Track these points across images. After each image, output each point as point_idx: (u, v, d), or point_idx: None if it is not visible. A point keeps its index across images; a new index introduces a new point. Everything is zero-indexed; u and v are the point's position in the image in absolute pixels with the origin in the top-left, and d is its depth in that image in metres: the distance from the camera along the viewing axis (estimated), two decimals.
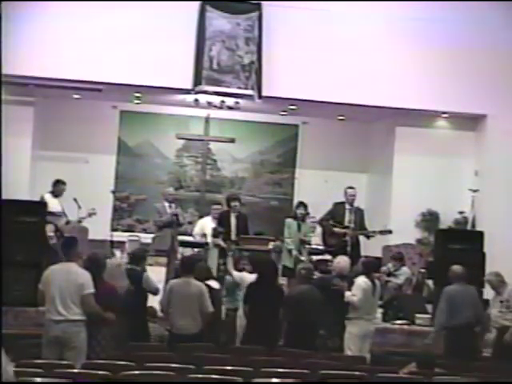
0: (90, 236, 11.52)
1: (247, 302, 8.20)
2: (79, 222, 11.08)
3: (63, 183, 11.05)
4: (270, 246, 10.36)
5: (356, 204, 11.04)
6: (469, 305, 8.58)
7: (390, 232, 11.18)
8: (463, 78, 12.32)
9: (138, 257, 8.49)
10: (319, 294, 8.19)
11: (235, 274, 8.85)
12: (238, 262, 9.21)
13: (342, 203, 11.02)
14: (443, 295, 8.66)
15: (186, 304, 7.73)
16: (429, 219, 13.12)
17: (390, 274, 11.11)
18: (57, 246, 9.47)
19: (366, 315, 8.41)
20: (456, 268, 8.81)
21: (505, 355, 8.27)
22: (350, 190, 11.04)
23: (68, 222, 10.91)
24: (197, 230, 11.83)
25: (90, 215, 10.97)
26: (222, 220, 10.93)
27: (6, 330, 7.08)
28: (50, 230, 10.29)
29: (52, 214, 10.70)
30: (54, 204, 10.85)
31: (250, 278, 8.53)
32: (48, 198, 10.89)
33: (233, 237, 10.67)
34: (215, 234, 10.88)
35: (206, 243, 11.20)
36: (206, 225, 11.55)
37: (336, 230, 10.81)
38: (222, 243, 10.69)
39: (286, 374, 6.47)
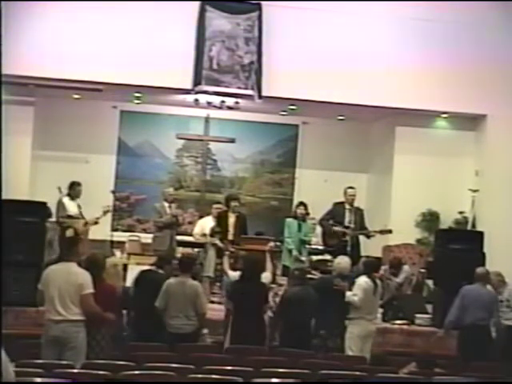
0: (90, 236, 11.49)
1: (231, 300, 8.24)
2: (96, 222, 11.11)
3: (79, 184, 11.00)
4: (268, 245, 10.33)
5: (356, 204, 11.03)
6: (485, 305, 8.57)
7: (389, 232, 11.18)
8: (463, 78, 12.32)
9: (164, 260, 8.49)
10: (314, 295, 8.19)
11: (230, 273, 8.84)
12: (234, 261, 9.19)
13: (342, 203, 11.02)
14: (458, 295, 8.67)
15: (180, 304, 7.75)
16: (429, 219, 13.11)
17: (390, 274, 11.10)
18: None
19: (367, 315, 8.41)
20: (479, 269, 8.85)
21: (505, 355, 8.28)
22: (349, 190, 11.03)
23: (86, 224, 10.90)
24: (197, 230, 11.84)
25: (104, 213, 10.98)
26: (220, 220, 10.92)
27: (6, 330, 7.08)
28: (70, 234, 10.29)
29: (71, 217, 10.71)
30: (71, 207, 10.83)
31: None
32: (66, 201, 10.86)
33: (230, 237, 10.65)
34: (212, 234, 10.89)
35: (206, 243, 11.20)
36: (206, 225, 11.54)
37: (336, 229, 10.81)
38: (218, 243, 10.68)
39: (286, 373, 6.47)
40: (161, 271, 8.27)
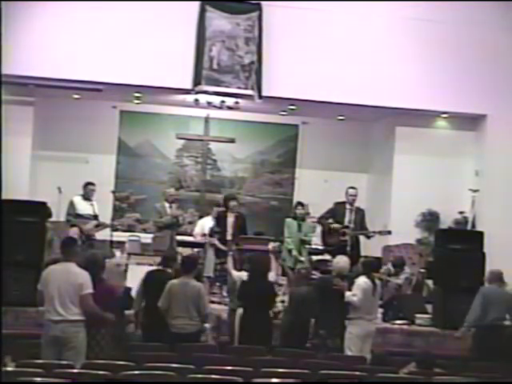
0: None
1: (240, 299, 8.32)
2: (112, 226, 11.17)
3: (92, 184, 11.00)
4: (270, 246, 10.35)
5: (356, 204, 11.04)
6: (502, 306, 8.56)
7: (389, 233, 11.22)
8: (463, 78, 12.33)
9: (170, 259, 8.51)
10: (316, 295, 8.22)
11: (234, 273, 8.87)
12: (237, 261, 9.22)
13: (343, 203, 11.03)
14: (478, 294, 8.63)
15: (183, 304, 7.78)
16: (429, 219, 13.11)
17: (390, 275, 11.11)
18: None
19: (367, 315, 8.41)
20: (494, 270, 8.87)
21: (505, 355, 8.27)
22: (350, 190, 11.05)
23: (98, 225, 10.92)
24: (197, 230, 11.87)
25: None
26: (219, 220, 10.93)
27: (6, 330, 7.09)
28: (73, 233, 10.31)
29: (80, 216, 10.74)
30: (82, 206, 10.85)
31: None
32: (77, 200, 10.87)
33: (228, 237, 10.65)
34: (211, 234, 10.91)
35: (206, 243, 11.22)
36: (206, 225, 11.57)
37: (334, 226, 10.82)
38: (217, 243, 10.68)
39: (286, 373, 6.47)
40: (169, 270, 8.27)
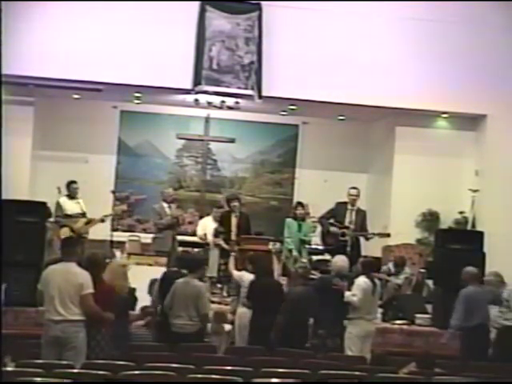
0: (90, 236, 11.51)
1: (250, 299, 8.34)
2: (102, 220, 11.16)
3: (74, 182, 11.13)
4: (270, 246, 10.37)
5: (357, 204, 11.04)
6: (485, 305, 8.56)
7: (388, 235, 11.24)
8: (463, 77, 12.32)
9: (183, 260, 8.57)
10: (315, 294, 8.23)
11: (235, 273, 8.90)
12: (239, 262, 9.23)
13: (345, 203, 11.05)
14: (460, 297, 8.57)
15: (183, 304, 7.79)
16: (429, 219, 13.11)
17: (390, 274, 11.12)
18: None
19: (367, 315, 8.41)
20: (470, 269, 8.78)
21: (505, 355, 8.27)
22: (352, 190, 11.06)
23: (89, 222, 10.93)
24: (199, 231, 11.88)
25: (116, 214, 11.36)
26: (223, 220, 10.96)
27: (6, 330, 7.09)
28: (63, 233, 10.31)
29: (69, 216, 10.76)
30: (69, 206, 10.90)
31: (249, 277, 8.57)
32: (63, 201, 10.93)
33: (233, 237, 10.69)
34: (216, 234, 10.93)
35: (207, 243, 11.23)
36: (207, 225, 11.59)
37: (333, 228, 10.82)
38: (222, 243, 10.72)
39: (286, 373, 6.47)
40: (184, 271, 8.25)
